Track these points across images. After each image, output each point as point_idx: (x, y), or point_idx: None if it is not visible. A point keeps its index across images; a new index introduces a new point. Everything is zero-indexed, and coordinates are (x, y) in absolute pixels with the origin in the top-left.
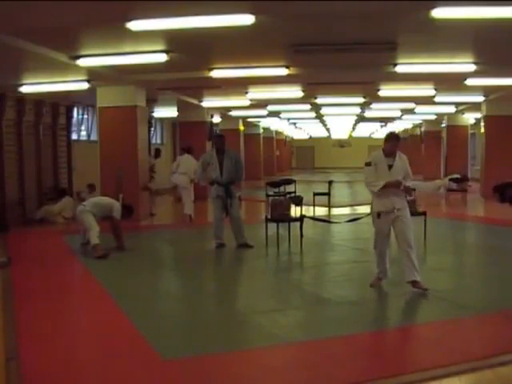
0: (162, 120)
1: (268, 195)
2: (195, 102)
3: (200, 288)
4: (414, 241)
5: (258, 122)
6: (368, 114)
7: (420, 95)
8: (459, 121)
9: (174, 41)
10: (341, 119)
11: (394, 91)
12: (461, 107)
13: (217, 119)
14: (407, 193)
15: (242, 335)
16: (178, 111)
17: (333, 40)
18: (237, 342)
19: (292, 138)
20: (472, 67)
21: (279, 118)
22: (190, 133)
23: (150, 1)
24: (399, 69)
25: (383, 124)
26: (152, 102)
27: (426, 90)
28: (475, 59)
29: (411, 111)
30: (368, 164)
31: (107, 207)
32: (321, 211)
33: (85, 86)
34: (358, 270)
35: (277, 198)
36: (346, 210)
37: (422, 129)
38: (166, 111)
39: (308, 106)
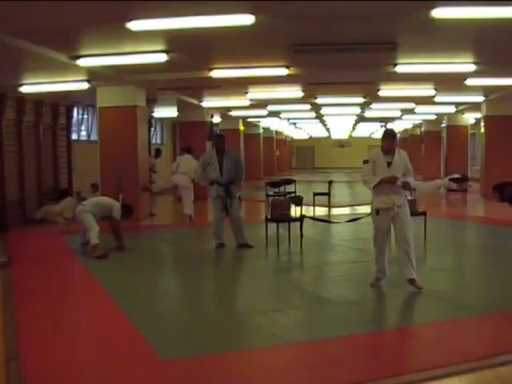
0: (162, 120)
1: (268, 195)
2: (195, 102)
3: (200, 288)
4: (414, 240)
5: (258, 122)
6: (368, 114)
7: (420, 95)
8: (459, 121)
9: (174, 41)
10: (341, 119)
11: (394, 91)
12: (461, 107)
13: (217, 119)
14: (406, 189)
15: (242, 335)
16: (178, 111)
17: (333, 40)
18: (237, 342)
19: (292, 138)
20: (472, 67)
21: (279, 117)
22: (190, 133)
23: (150, 1)
24: (399, 69)
25: (383, 124)
26: (152, 101)
27: (426, 90)
28: (475, 59)
29: (411, 111)
30: (366, 162)
31: (107, 207)
32: (321, 211)
33: (85, 86)
34: (357, 270)
35: (277, 198)
36: (346, 210)
37: (422, 129)
38: (166, 111)
39: (308, 106)
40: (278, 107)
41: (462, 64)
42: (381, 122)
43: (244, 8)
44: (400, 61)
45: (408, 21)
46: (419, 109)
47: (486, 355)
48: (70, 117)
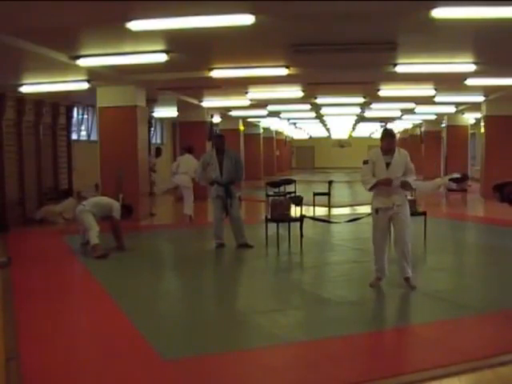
0: (162, 120)
1: (268, 195)
2: (195, 102)
3: (200, 288)
4: (414, 240)
5: (258, 122)
6: (368, 114)
7: (420, 95)
8: (459, 121)
9: (174, 41)
10: (341, 119)
11: (394, 91)
12: (461, 107)
13: (217, 119)
14: (405, 189)
15: (242, 335)
16: (178, 111)
17: (333, 40)
18: (237, 342)
19: (292, 138)
20: (472, 67)
21: (279, 117)
22: (190, 133)
23: (150, 1)
24: (399, 69)
25: (383, 124)
26: (152, 101)
27: (426, 90)
28: (475, 59)
29: (411, 111)
30: (365, 162)
31: (107, 207)
32: (321, 211)
33: (85, 86)
34: (357, 270)
35: (277, 198)
36: (346, 210)
37: (422, 129)
38: (166, 111)
39: (308, 106)
40: (278, 107)
41: (462, 64)
42: (381, 121)
43: (244, 8)
44: (400, 61)
45: (408, 21)
46: (419, 109)
47: (486, 355)
48: (69, 117)
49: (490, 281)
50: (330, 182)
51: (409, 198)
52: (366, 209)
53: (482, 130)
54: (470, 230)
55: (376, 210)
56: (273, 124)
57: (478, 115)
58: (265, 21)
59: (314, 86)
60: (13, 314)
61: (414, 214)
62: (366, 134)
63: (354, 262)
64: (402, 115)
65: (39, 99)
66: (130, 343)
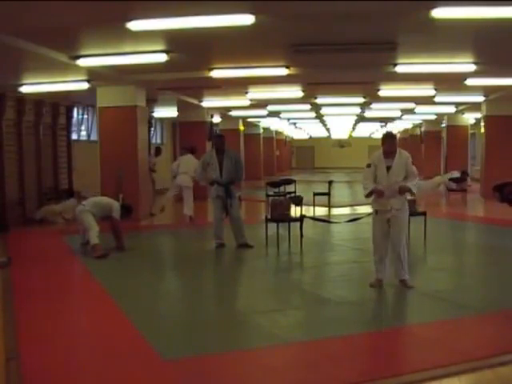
0: (162, 120)
1: (268, 195)
2: (195, 102)
3: (200, 288)
4: (414, 241)
5: (258, 122)
6: (368, 113)
7: (420, 95)
8: (459, 121)
9: (174, 41)
10: (341, 119)
11: (394, 91)
12: (461, 107)
13: (217, 119)
14: (403, 194)
15: (242, 335)
16: (178, 111)
17: (333, 40)
18: (237, 342)
19: (292, 138)
20: (472, 67)
21: (279, 118)
22: (190, 133)
23: (150, 1)
24: (399, 69)
25: (383, 124)
26: (152, 101)
27: (426, 90)
28: (475, 59)
29: (411, 111)
30: (368, 166)
31: (107, 207)
32: (321, 211)
33: (85, 86)
34: (357, 270)
35: (277, 198)
36: (346, 210)
37: (422, 129)
38: (166, 111)
39: (308, 106)
40: (278, 107)
41: (462, 64)
42: (381, 122)
43: (244, 8)
44: (400, 61)
45: (408, 21)
46: (419, 109)
47: (486, 355)
48: (69, 117)
49: (490, 281)
50: (330, 182)
51: (409, 198)
52: (366, 209)
53: (482, 130)
54: (469, 229)
55: (376, 211)
56: (273, 124)
57: (478, 115)
58: (265, 21)
59: (314, 85)
60: (13, 314)
61: (413, 213)
62: (366, 134)
63: (353, 262)
64: (401, 115)
65: (39, 99)
66: (130, 343)
